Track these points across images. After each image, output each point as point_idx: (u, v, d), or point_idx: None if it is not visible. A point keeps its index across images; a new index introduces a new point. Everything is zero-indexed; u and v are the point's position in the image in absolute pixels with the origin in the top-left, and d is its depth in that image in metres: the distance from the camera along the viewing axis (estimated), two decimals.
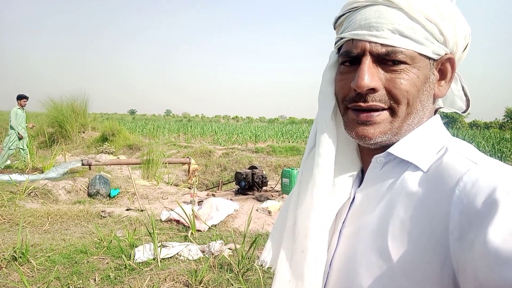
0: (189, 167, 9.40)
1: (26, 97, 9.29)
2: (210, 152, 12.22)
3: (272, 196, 6.39)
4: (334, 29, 0.69)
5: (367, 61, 0.58)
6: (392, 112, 0.60)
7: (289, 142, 17.86)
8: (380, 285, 0.54)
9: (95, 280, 3.24)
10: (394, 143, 0.62)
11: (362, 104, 0.60)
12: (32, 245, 3.91)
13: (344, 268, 0.61)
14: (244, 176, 6.78)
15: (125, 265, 3.49)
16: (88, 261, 3.64)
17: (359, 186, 0.67)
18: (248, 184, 6.80)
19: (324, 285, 0.64)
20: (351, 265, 0.59)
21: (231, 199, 6.11)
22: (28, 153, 9.41)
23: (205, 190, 8.70)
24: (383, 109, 0.60)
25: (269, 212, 5.44)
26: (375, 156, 0.63)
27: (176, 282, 3.23)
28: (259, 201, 6.06)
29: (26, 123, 9.55)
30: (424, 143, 0.61)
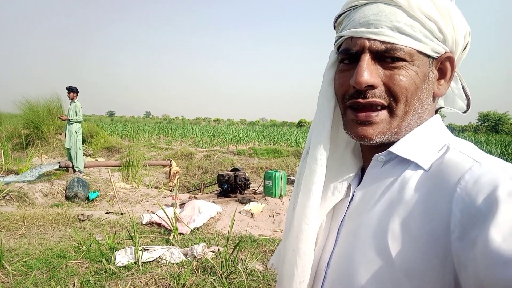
0: (170, 169, 9.31)
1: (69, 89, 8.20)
2: (191, 154, 12.13)
3: (255, 198, 6.38)
4: (334, 28, 0.69)
5: (366, 58, 0.58)
6: (391, 111, 0.60)
7: (270, 144, 17.88)
8: (379, 284, 0.54)
9: (74, 285, 3.15)
10: (395, 142, 0.62)
11: (361, 100, 0.60)
12: (7, 250, 3.77)
13: (343, 266, 0.61)
14: (227, 178, 6.75)
15: (106, 269, 3.41)
16: (66, 266, 3.54)
17: (358, 185, 0.67)
18: (231, 187, 6.77)
19: (322, 283, 0.64)
20: (350, 264, 0.59)
21: (214, 202, 6.07)
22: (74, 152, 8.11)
23: (187, 192, 8.63)
24: (382, 108, 0.60)
25: (252, 215, 5.43)
26: (376, 154, 0.63)
27: (158, 286, 3.18)
28: (242, 203, 6.04)
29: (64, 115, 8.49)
30: (425, 141, 0.61)
